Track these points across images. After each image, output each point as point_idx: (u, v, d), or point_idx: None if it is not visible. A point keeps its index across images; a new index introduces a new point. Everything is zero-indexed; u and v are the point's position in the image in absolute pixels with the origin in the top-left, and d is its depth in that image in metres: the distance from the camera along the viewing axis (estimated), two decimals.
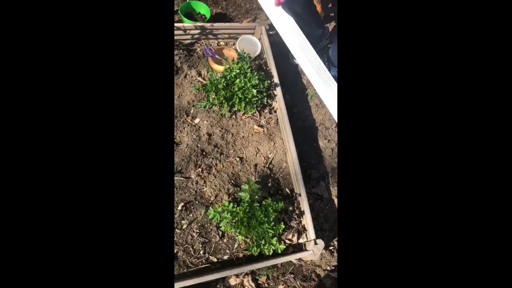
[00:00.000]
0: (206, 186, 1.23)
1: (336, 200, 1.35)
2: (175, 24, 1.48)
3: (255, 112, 1.43)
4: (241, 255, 1.15)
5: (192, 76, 1.47)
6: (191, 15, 1.71)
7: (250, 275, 1.14)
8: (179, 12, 1.62)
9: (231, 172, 1.28)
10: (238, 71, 1.34)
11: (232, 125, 1.40)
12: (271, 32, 1.69)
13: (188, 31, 1.52)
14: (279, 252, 1.08)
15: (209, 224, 1.17)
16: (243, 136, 1.38)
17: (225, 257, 1.13)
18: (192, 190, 1.22)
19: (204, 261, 1.11)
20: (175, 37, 1.53)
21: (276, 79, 1.46)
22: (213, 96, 1.35)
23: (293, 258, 1.15)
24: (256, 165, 1.32)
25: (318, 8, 1.75)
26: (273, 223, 1.07)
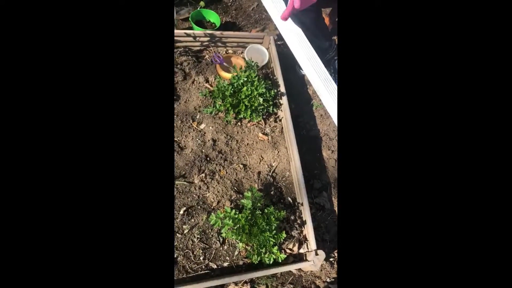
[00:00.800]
0: (208, 192, 1.24)
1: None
2: (186, 31, 1.51)
3: (261, 120, 1.44)
4: (241, 262, 1.14)
5: (199, 82, 1.49)
6: (202, 23, 1.74)
7: (249, 284, 1.13)
8: (190, 19, 1.65)
9: (234, 179, 1.29)
10: (245, 79, 1.36)
11: (237, 132, 1.41)
12: (279, 42, 1.72)
13: (197, 38, 1.54)
14: (280, 261, 1.07)
15: (210, 230, 1.17)
16: (247, 144, 1.39)
17: (225, 264, 1.13)
18: (194, 195, 1.22)
19: (203, 267, 1.11)
20: (185, 44, 1.56)
21: (282, 89, 1.48)
22: (220, 103, 1.37)
23: (293, 268, 1.14)
24: (259, 172, 1.33)
25: (326, 20, 1.78)
26: (274, 231, 1.07)
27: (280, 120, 1.48)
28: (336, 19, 1.81)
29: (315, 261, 1.10)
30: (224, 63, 1.53)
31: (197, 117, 1.41)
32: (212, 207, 1.21)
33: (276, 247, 1.08)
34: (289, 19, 1.33)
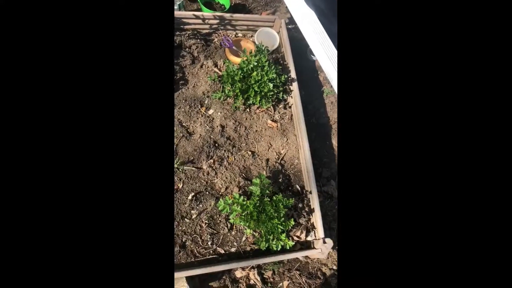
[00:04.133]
0: (217, 178, 1.23)
1: None
2: (194, 13, 1.46)
3: (270, 107, 1.42)
4: (248, 248, 1.15)
5: (208, 67, 1.46)
6: (211, 4, 1.69)
7: (256, 269, 1.15)
8: (198, 0, 1.60)
9: (243, 165, 1.28)
10: (255, 63, 1.32)
11: (246, 119, 1.39)
12: (290, 26, 1.66)
13: (206, 21, 1.50)
14: (288, 248, 1.08)
15: (218, 216, 1.17)
16: (256, 130, 1.37)
17: (232, 250, 1.14)
18: (203, 181, 1.22)
19: (211, 252, 1.12)
20: (193, 26, 1.52)
21: (293, 74, 1.44)
22: (229, 88, 1.34)
23: (300, 255, 1.15)
24: (267, 160, 1.32)
25: None
26: (283, 218, 1.07)
27: (290, 107, 1.45)
28: None
29: (322, 249, 1.10)
30: (234, 47, 1.49)
31: (206, 102, 1.39)
32: (220, 193, 1.21)
33: (284, 234, 1.08)
34: (303, 3, 1.28)
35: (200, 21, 1.49)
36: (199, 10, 1.65)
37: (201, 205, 1.18)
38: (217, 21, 1.52)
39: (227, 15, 1.50)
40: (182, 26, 1.50)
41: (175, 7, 1.55)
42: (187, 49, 1.48)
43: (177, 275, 1.00)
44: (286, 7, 1.41)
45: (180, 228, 1.13)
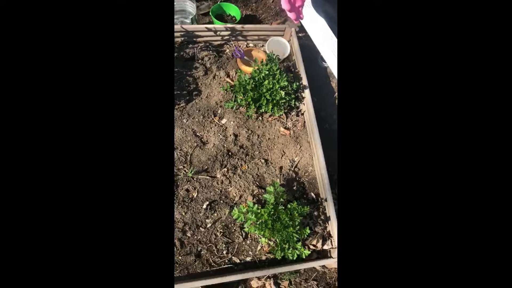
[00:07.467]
0: (231, 186, 1.24)
1: None
2: (206, 26, 1.50)
3: (282, 114, 1.42)
4: (263, 257, 1.14)
5: (220, 77, 1.49)
6: (222, 17, 1.73)
7: (272, 279, 1.13)
8: (210, 13, 1.65)
9: (256, 174, 1.28)
10: (267, 72, 1.34)
11: (258, 127, 1.40)
12: (300, 34, 1.68)
13: (218, 33, 1.54)
14: (304, 257, 1.06)
15: (232, 225, 1.17)
16: (269, 138, 1.38)
17: (248, 259, 1.13)
18: (217, 190, 1.22)
19: (227, 261, 1.11)
20: (206, 39, 1.56)
21: (304, 81, 1.44)
22: (241, 97, 1.36)
23: (317, 264, 1.12)
24: (281, 167, 1.31)
25: None
26: (298, 227, 1.05)
27: (303, 114, 1.45)
28: None
29: None
30: (245, 57, 1.52)
31: (219, 112, 1.41)
32: (234, 202, 1.21)
33: (299, 243, 1.06)
34: (312, 9, 1.29)
35: (212, 33, 1.53)
36: (211, 23, 1.70)
37: (215, 214, 1.18)
38: (229, 32, 1.55)
39: (238, 26, 1.53)
40: (194, 39, 1.54)
41: (187, 21, 1.60)
42: (199, 61, 1.52)
43: (192, 284, 1.00)
44: None
45: (195, 237, 1.13)
